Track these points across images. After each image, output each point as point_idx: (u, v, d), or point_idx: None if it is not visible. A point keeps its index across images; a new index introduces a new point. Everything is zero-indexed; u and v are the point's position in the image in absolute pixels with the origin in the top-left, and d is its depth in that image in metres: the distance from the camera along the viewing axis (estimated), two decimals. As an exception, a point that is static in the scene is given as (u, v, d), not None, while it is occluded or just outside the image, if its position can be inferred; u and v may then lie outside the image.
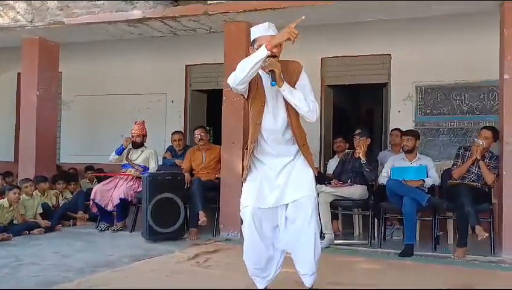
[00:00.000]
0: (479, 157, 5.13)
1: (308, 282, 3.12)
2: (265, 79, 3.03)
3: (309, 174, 3.12)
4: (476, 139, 5.31)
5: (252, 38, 3.05)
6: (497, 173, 5.11)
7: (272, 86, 2.93)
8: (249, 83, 2.99)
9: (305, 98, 2.97)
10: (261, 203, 3.04)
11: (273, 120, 3.05)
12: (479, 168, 5.18)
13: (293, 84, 3.01)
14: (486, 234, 4.74)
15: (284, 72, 2.98)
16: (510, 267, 4.43)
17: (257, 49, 2.92)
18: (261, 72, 3.03)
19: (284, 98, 3.02)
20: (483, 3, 5.14)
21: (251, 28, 3.10)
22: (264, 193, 3.06)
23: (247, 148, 3.15)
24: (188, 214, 5.78)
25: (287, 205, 3.07)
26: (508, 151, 4.91)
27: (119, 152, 6.41)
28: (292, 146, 3.13)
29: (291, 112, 3.04)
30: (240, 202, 3.13)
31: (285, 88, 2.95)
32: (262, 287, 3.23)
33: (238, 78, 2.90)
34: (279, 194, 3.06)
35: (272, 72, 2.90)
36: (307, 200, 3.04)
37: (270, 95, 3.05)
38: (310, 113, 3.00)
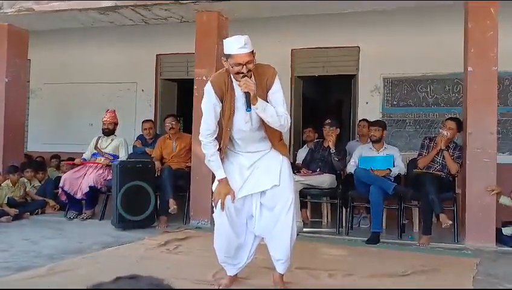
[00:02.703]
0: (443, 148, 5.29)
1: (281, 268, 3.16)
2: (237, 88, 3.00)
3: (285, 164, 3.15)
4: (440, 130, 5.45)
5: (227, 52, 2.91)
6: (460, 163, 5.27)
7: (247, 112, 2.92)
8: (220, 96, 3.03)
9: (277, 111, 2.96)
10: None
11: (245, 124, 3.05)
12: (443, 158, 5.34)
13: (266, 92, 3.01)
14: (450, 222, 4.90)
15: (257, 79, 2.97)
16: (472, 254, 4.57)
17: (232, 67, 2.90)
18: (233, 80, 3.00)
19: None
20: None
21: (225, 40, 2.96)
22: (236, 184, 3.08)
23: (220, 150, 3.15)
24: (158, 202, 5.79)
25: (262, 192, 3.09)
26: (471, 142, 5.05)
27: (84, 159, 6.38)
28: (266, 144, 3.15)
29: (265, 123, 3.05)
30: (212, 191, 3.17)
31: (259, 106, 2.91)
32: (232, 274, 3.26)
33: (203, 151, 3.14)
34: (253, 182, 3.08)
35: (246, 94, 2.88)
36: (287, 187, 3.09)
37: (241, 103, 3.00)
38: (281, 127, 3.03)
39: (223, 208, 3.05)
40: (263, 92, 2.99)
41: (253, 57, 2.93)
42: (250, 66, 2.90)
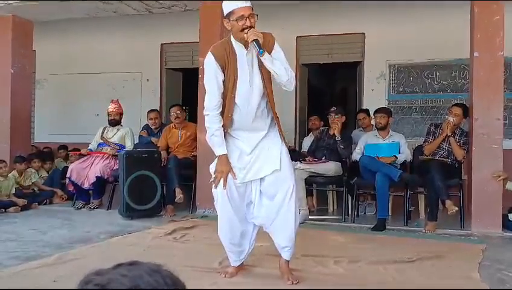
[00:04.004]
0: (449, 134, 5.26)
1: (286, 255, 3.15)
2: (239, 52, 3.03)
3: (284, 149, 3.16)
4: (446, 116, 5.43)
5: (229, 10, 2.95)
6: (466, 149, 5.25)
7: (260, 54, 2.92)
8: (222, 64, 3.00)
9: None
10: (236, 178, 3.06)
11: (248, 90, 3.04)
12: (449, 144, 5.32)
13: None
14: (456, 208, 4.88)
15: None
16: (478, 240, 4.56)
17: (236, 22, 2.91)
18: (235, 44, 3.03)
19: (259, 68, 3.05)
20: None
21: (224, 2, 2.99)
22: (236, 169, 3.07)
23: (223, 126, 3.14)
24: (165, 191, 5.81)
25: (261, 178, 3.09)
26: (477, 128, 5.03)
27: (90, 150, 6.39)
28: (266, 119, 3.15)
29: (267, 82, 3.07)
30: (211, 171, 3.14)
31: (266, 57, 2.95)
32: (236, 265, 3.25)
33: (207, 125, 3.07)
34: (254, 168, 3.08)
35: (256, 42, 2.90)
36: (288, 172, 3.09)
37: (244, 67, 3.03)
38: (289, 82, 3.03)
39: (225, 185, 3.03)
40: None
41: (254, 13, 2.96)
42: (253, 20, 2.94)
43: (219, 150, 3.05)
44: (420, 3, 6.54)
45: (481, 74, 5.02)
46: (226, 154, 3.04)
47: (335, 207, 6.25)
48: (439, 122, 5.77)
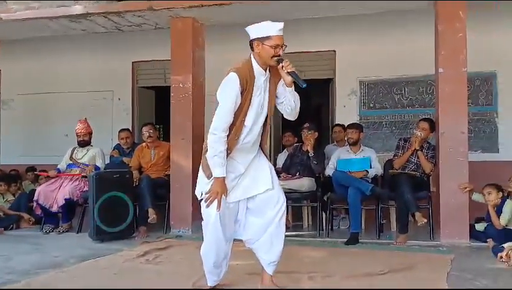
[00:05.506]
0: (417, 148, 5.39)
1: (272, 270, 3.19)
2: (258, 76, 3.05)
3: (271, 167, 3.24)
4: (414, 131, 5.55)
5: (266, 34, 2.99)
6: (434, 162, 5.38)
7: (304, 88, 2.99)
8: (243, 86, 2.99)
9: None
10: (227, 198, 3.04)
11: (258, 113, 3.08)
12: (417, 158, 5.44)
13: (277, 83, 3.12)
14: (425, 220, 4.99)
15: (271, 72, 3.09)
16: (447, 251, 4.66)
17: (270, 48, 2.96)
18: (255, 68, 3.04)
19: (268, 97, 3.10)
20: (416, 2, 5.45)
21: (260, 24, 3.03)
22: (229, 188, 3.06)
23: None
24: (137, 212, 5.70)
25: (250, 197, 3.12)
26: (444, 142, 5.15)
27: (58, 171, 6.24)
28: (258, 143, 3.20)
29: (272, 106, 3.14)
30: (202, 198, 3.08)
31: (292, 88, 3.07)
32: (213, 285, 3.23)
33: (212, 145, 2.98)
34: (242, 187, 3.10)
35: (293, 73, 2.98)
36: (279, 192, 3.15)
37: (259, 91, 3.06)
38: (297, 111, 3.20)
39: (219, 206, 2.98)
40: (276, 84, 3.12)
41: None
42: (282, 51, 3.02)
43: (219, 171, 2.97)
44: (389, 20, 6.67)
45: (446, 89, 5.16)
46: (225, 177, 3.00)
47: (310, 222, 6.29)
48: (408, 136, 5.88)
